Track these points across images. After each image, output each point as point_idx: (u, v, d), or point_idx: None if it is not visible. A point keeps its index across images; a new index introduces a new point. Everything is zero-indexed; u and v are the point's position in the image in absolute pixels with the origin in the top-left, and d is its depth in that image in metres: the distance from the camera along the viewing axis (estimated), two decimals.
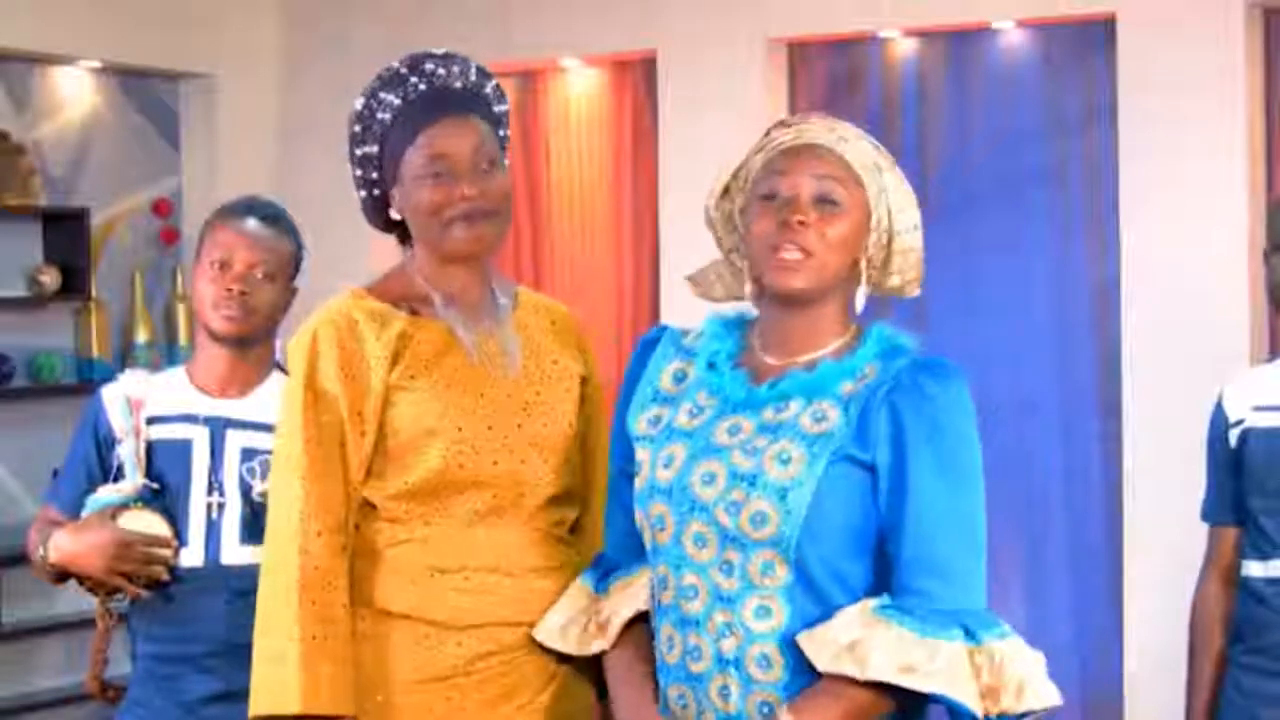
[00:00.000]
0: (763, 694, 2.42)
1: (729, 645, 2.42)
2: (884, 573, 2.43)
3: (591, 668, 2.68)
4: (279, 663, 2.64)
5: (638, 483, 2.52)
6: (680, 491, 2.45)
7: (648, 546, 2.52)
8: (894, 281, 2.58)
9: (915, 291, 2.61)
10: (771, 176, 2.48)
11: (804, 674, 2.39)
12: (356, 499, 2.72)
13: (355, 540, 2.72)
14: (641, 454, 2.53)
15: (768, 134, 2.55)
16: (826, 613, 2.39)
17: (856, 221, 2.48)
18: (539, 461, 2.74)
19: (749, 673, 2.42)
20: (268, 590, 2.69)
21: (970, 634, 2.35)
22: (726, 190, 2.58)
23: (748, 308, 2.60)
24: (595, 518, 2.80)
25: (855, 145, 2.51)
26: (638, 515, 2.52)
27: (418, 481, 2.70)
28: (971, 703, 2.32)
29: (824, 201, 2.46)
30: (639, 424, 2.56)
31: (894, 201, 2.53)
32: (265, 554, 2.73)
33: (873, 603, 2.38)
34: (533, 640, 2.71)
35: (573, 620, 2.62)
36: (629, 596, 2.56)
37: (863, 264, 2.51)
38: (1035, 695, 2.34)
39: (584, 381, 2.85)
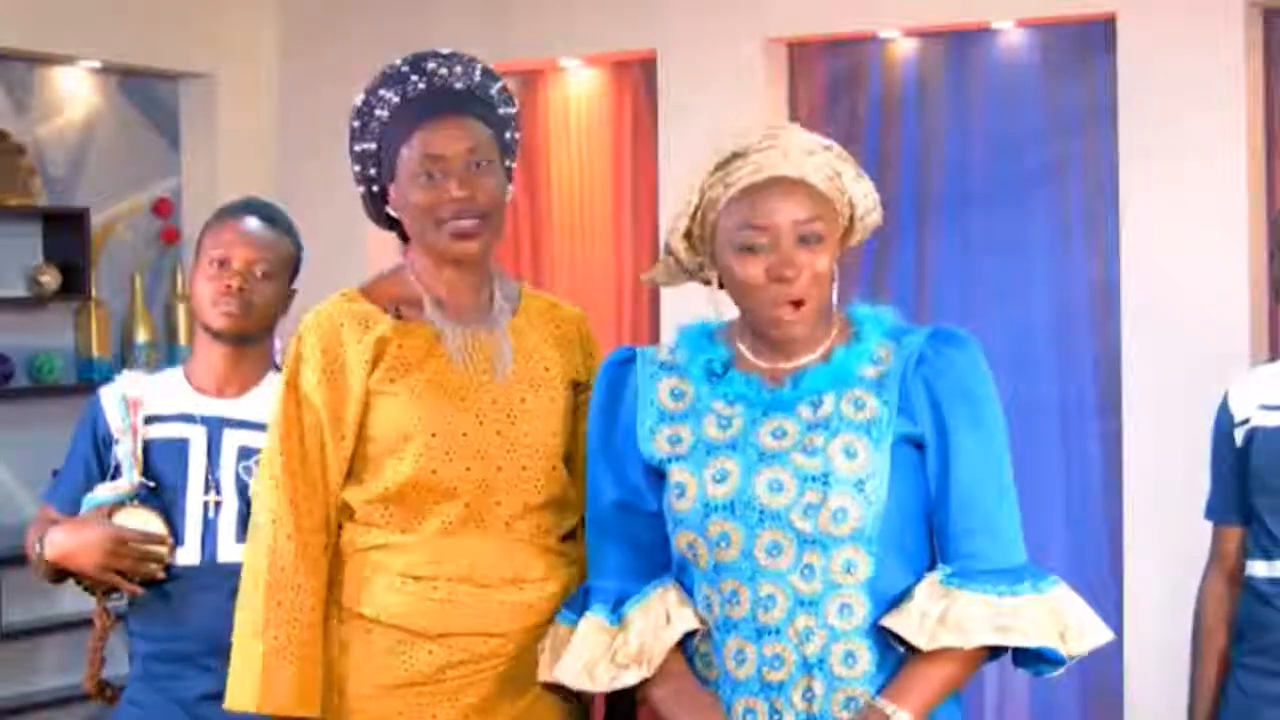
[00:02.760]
0: (848, 690, 2.44)
1: (813, 648, 2.42)
2: (933, 540, 2.50)
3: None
4: (243, 660, 2.68)
5: (682, 504, 2.47)
6: (745, 505, 2.43)
7: (702, 566, 2.47)
8: (853, 242, 2.60)
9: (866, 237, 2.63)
10: (746, 229, 2.45)
11: (888, 662, 2.44)
12: (336, 502, 2.72)
13: (335, 542, 2.73)
14: (679, 475, 2.48)
15: (719, 167, 2.49)
16: (900, 597, 2.43)
17: (834, 233, 2.49)
18: (516, 469, 2.72)
19: (834, 671, 2.43)
20: (241, 588, 2.73)
21: (1035, 586, 2.44)
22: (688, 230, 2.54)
23: (706, 317, 2.59)
24: None
25: (813, 162, 2.48)
26: (684, 537, 2.48)
27: (392, 486, 2.69)
28: (1062, 650, 2.42)
29: (807, 240, 2.45)
30: (657, 445, 2.52)
31: (855, 193, 2.52)
32: (245, 553, 2.76)
33: (937, 575, 2.44)
34: (508, 652, 2.69)
35: (596, 659, 2.51)
36: (654, 622, 2.49)
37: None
38: (1094, 634, 2.46)
39: (582, 387, 2.82)
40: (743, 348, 2.54)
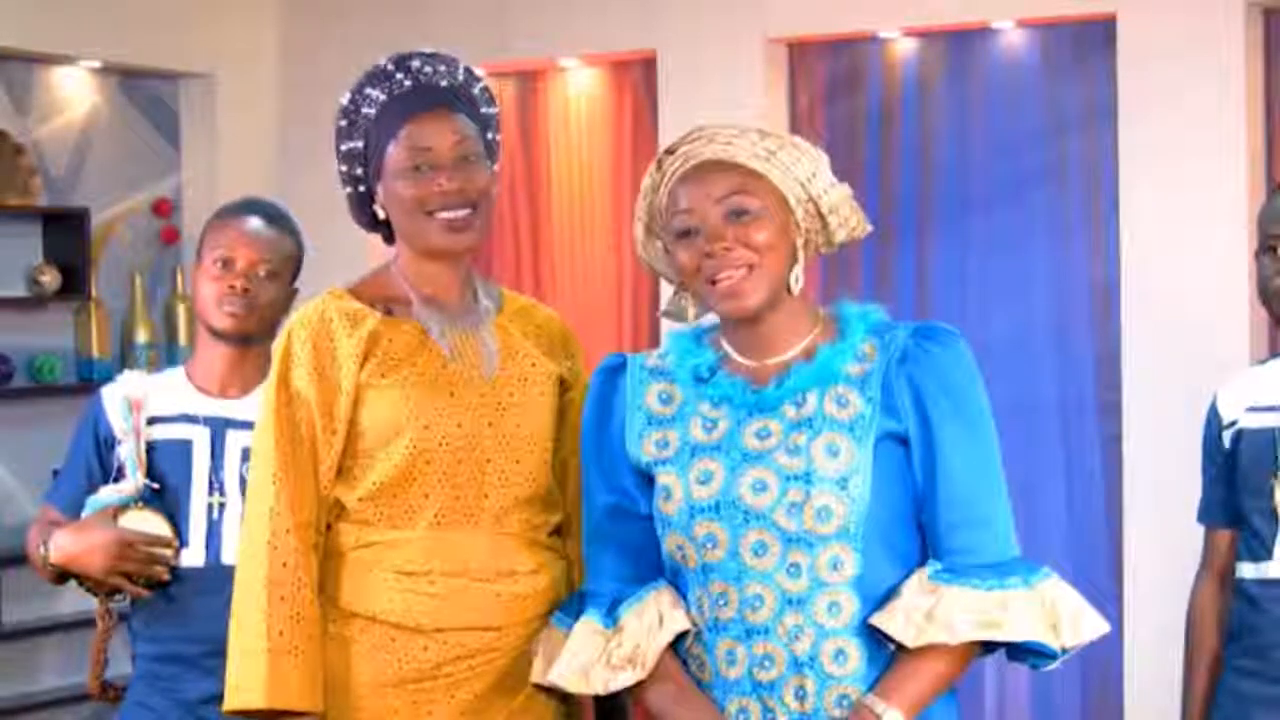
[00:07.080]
0: (840, 688, 2.44)
1: (802, 646, 2.43)
2: (924, 536, 2.50)
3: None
4: (247, 657, 2.66)
5: (668, 507, 2.49)
6: (730, 505, 2.45)
7: (691, 567, 2.49)
8: (841, 236, 2.59)
9: (866, 229, 2.61)
10: (678, 215, 2.50)
11: (879, 659, 2.45)
12: (328, 499, 2.72)
13: (325, 541, 2.73)
14: (666, 478, 2.50)
15: (659, 166, 2.54)
16: (890, 593, 2.44)
17: (776, 213, 2.49)
18: (509, 462, 2.73)
19: (826, 670, 2.44)
20: (240, 586, 2.71)
21: (1024, 580, 2.44)
22: (650, 230, 2.60)
23: (706, 318, 2.62)
24: (578, 521, 2.78)
25: (740, 143, 2.50)
26: (673, 539, 2.50)
27: (384, 480, 2.69)
28: (1052, 643, 2.42)
29: (735, 215, 2.47)
30: (645, 449, 2.54)
31: (801, 172, 2.52)
32: (239, 549, 2.75)
33: (927, 570, 2.45)
34: (504, 646, 2.69)
35: (591, 662, 2.53)
36: (647, 624, 2.51)
37: (799, 243, 2.52)
38: (1089, 627, 2.47)
39: (566, 385, 2.84)
40: (728, 346, 2.56)
